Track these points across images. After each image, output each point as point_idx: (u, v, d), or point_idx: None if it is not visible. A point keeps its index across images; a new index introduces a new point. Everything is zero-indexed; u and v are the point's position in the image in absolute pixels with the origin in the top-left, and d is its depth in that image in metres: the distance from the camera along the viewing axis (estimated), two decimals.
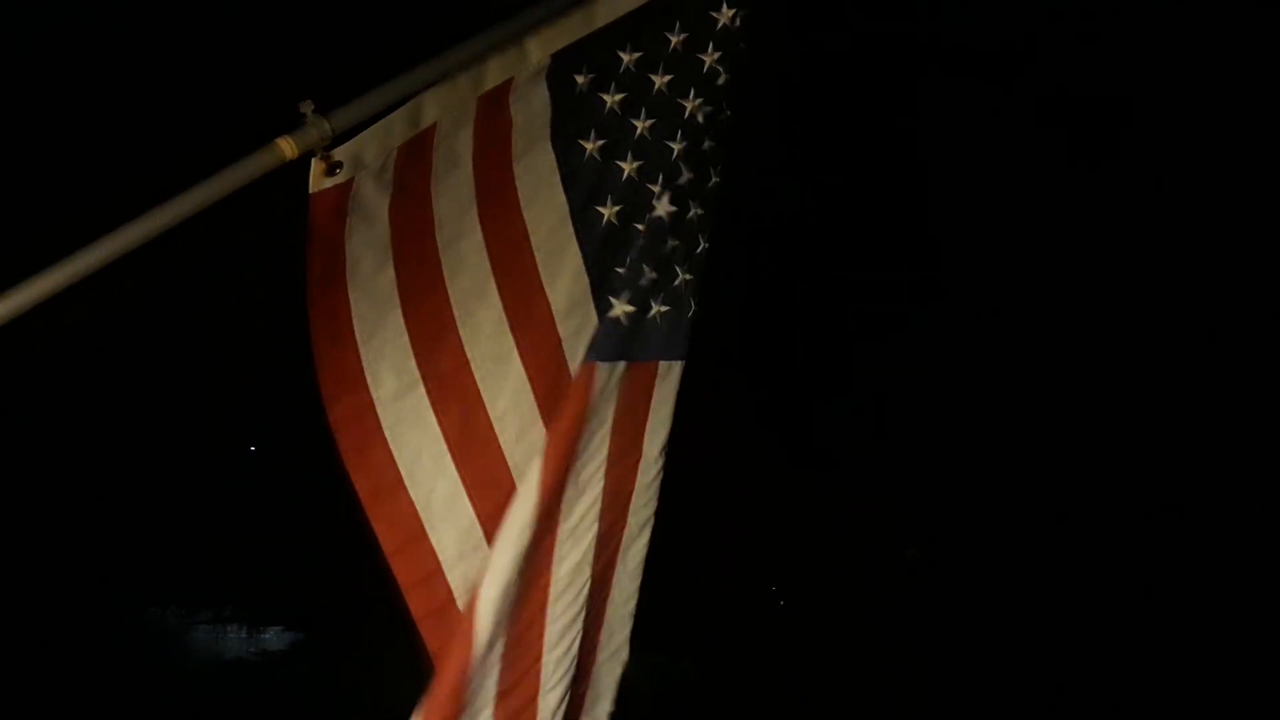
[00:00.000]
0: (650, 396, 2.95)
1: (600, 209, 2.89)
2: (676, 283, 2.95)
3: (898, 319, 8.94)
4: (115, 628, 10.50)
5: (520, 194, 2.86)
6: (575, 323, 2.87)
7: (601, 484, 2.91)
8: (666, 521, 3.00)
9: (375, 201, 2.75)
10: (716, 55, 2.93)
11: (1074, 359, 8.82)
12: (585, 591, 2.92)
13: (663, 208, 2.91)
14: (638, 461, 2.96)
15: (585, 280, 2.88)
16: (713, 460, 7.36)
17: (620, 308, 2.89)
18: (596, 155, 2.89)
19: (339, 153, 2.68)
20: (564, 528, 2.89)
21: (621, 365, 2.90)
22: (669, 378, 2.97)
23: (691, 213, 2.95)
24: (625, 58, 2.89)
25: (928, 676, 8.62)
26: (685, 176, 2.94)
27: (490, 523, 2.84)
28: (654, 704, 7.47)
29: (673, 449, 3.00)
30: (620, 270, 2.90)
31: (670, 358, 2.97)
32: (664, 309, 2.94)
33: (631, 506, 2.99)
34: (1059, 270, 8.70)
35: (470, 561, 2.85)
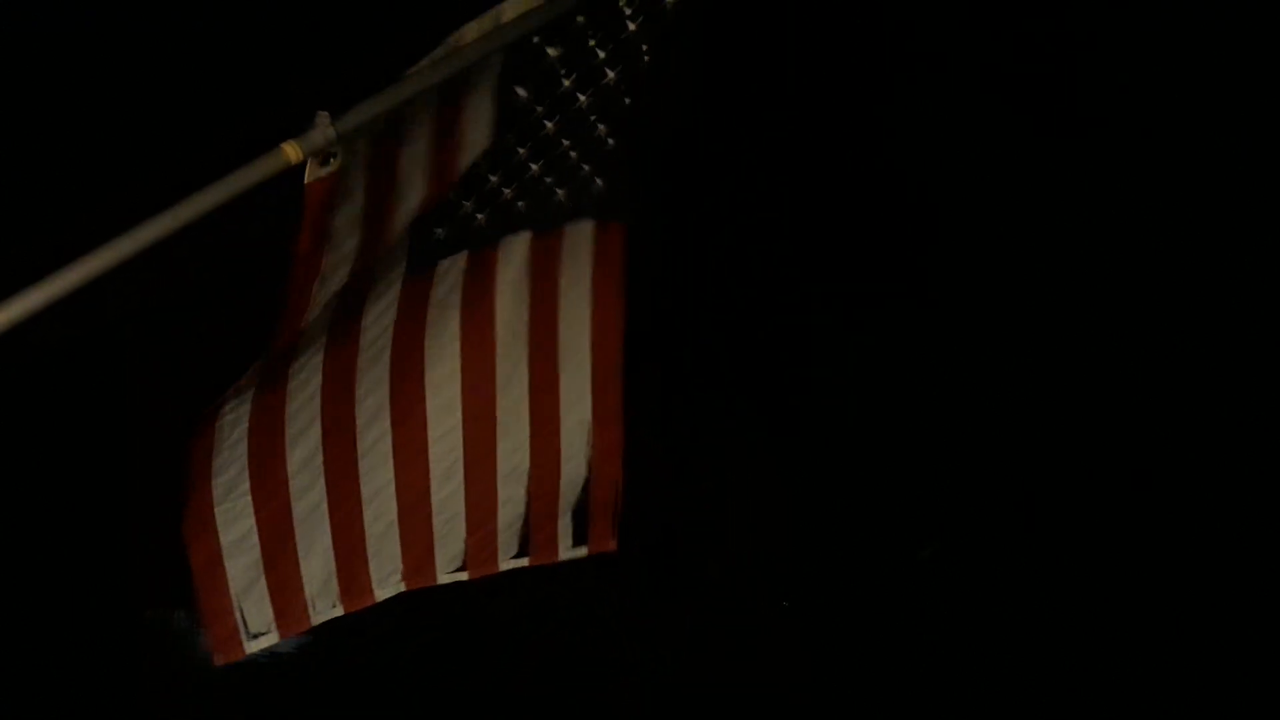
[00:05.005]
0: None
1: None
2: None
3: (901, 312, 8.89)
4: (124, 628, 10.51)
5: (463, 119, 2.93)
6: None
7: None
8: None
9: (357, 179, 2.80)
10: (639, 24, 3.05)
11: (1088, 352, 8.78)
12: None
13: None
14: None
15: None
16: (715, 459, 7.35)
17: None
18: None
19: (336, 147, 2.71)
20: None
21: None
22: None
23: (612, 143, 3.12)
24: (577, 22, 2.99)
25: (948, 677, 8.59)
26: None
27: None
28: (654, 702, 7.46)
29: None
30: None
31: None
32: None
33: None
34: (1068, 259, 8.67)
35: None
